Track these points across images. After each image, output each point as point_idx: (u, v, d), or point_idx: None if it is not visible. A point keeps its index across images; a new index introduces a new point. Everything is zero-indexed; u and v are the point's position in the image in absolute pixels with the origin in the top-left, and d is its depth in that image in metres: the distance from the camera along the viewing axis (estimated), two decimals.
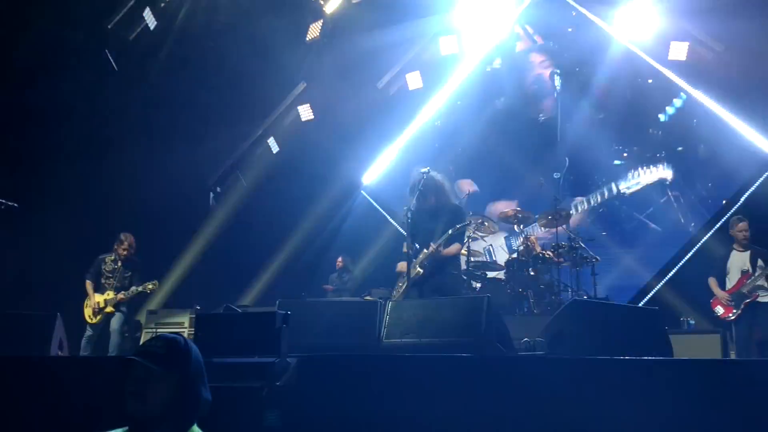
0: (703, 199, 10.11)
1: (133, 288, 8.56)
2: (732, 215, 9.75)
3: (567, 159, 9.50)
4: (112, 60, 10.29)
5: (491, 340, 4.96)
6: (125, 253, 8.74)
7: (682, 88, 10.02)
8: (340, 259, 10.91)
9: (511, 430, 3.87)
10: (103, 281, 8.65)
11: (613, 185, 8.83)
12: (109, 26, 10.12)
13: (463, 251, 9.32)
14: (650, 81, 9.72)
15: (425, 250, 6.67)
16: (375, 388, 3.88)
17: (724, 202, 10.11)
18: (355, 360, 4.18)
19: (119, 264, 8.73)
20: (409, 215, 6.80)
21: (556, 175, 9.55)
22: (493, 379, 4.09)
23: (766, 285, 7.75)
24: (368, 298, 9.17)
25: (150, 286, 8.60)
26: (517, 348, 5.95)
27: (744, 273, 7.85)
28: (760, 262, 7.81)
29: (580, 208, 9.26)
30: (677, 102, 9.99)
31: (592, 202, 9.08)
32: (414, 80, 11.06)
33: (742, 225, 7.98)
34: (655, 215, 10.15)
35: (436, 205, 6.77)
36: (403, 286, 6.82)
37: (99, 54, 10.29)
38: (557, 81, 10.27)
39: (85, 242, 9.95)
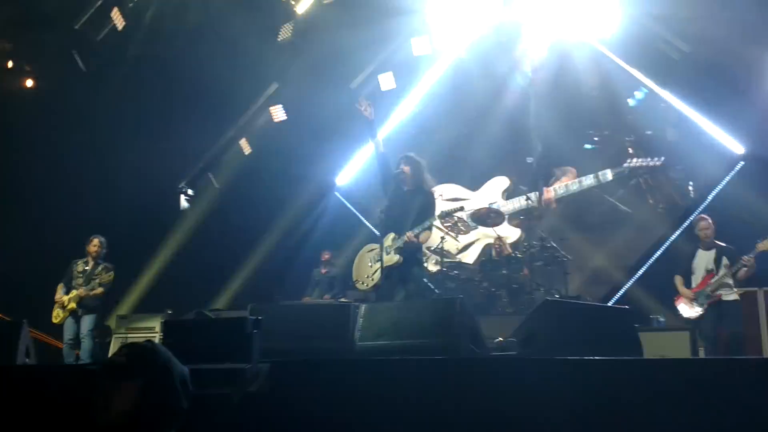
0: (671, 179, 10.30)
1: (93, 283, 8.56)
2: (699, 213, 9.97)
3: (540, 145, 9.57)
4: (79, 60, 10.14)
5: (464, 342, 4.98)
6: (94, 250, 8.79)
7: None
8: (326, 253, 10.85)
9: (483, 431, 3.88)
10: (73, 283, 8.66)
11: (609, 172, 8.89)
12: (76, 26, 9.97)
13: (430, 252, 9.39)
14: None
15: (402, 236, 6.84)
16: (348, 393, 3.87)
17: (691, 189, 10.25)
18: (327, 364, 4.16)
19: (90, 265, 8.77)
20: (383, 216, 6.96)
21: (529, 160, 9.67)
22: (465, 380, 4.09)
23: (730, 283, 7.81)
24: (343, 300, 9.16)
25: (105, 277, 8.62)
26: (490, 348, 5.99)
27: (708, 272, 7.93)
28: (725, 261, 7.88)
29: (561, 191, 9.34)
30: (644, 89, 10.21)
31: (579, 186, 9.15)
32: (387, 81, 11.04)
33: (704, 224, 8.07)
34: (625, 198, 10.27)
35: (414, 186, 7.04)
36: (374, 275, 6.97)
37: (66, 54, 10.14)
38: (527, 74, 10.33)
39: (53, 246, 9.81)
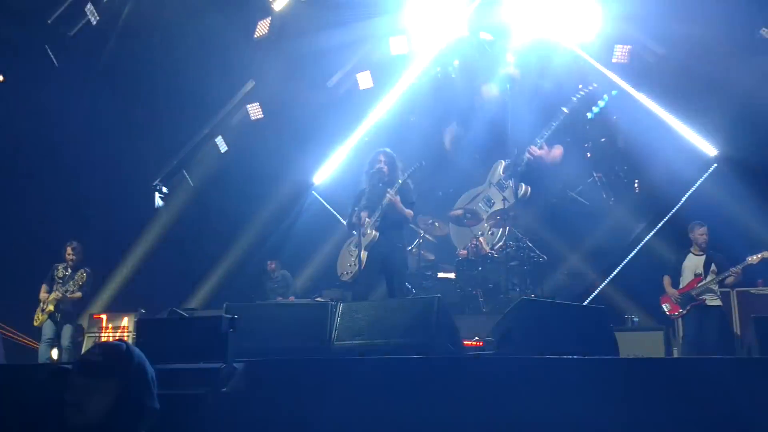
0: (620, 178, 10.85)
1: (71, 284, 8.69)
2: (673, 215, 10.10)
3: (516, 149, 9.72)
4: (52, 56, 9.97)
5: (442, 341, 4.97)
6: (71, 257, 9.00)
7: (607, 90, 10.42)
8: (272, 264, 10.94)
9: (461, 430, 3.87)
10: (54, 287, 8.83)
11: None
12: (49, 21, 9.80)
13: (413, 250, 9.41)
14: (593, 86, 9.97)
15: (379, 207, 7.08)
16: (324, 392, 3.83)
17: (636, 186, 10.80)
18: (303, 364, 4.12)
19: (69, 271, 8.96)
20: (358, 212, 6.98)
21: (507, 161, 9.81)
22: (442, 379, 4.08)
23: (715, 289, 8.08)
24: (319, 299, 9.11)
25: (79, 279, 8.74)
26: (467, 347, 5.99)
27: (696, 276, 8.19)
28: (713, 267, 8.15)
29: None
30: (601, 103, 10.57)
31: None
32: (364, 80, 11.01)
33: (703, 230, 8.36)
34: (583, 193, 10.66)
35: (389, 178, 7.24)
36: (356, 259, 7.06)
37: (39, 50, 9.96)
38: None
39: (26, 246, 9.65)
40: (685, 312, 8.09)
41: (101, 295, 10.35)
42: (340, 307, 5.41)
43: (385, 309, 5.43)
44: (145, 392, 2.55)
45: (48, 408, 2.59)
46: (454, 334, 5.27)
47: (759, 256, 7.90)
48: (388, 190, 7.09)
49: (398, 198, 7.12)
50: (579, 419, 3.79)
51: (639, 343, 8.15)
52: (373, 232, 7.08)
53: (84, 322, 9.57)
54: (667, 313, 8.25)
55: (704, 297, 8.07)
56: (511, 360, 4.42)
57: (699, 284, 8.08)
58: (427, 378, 4.08)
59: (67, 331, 8.76)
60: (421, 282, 9.28)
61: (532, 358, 4.22)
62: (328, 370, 4.09)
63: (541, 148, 9.47)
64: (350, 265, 7.28)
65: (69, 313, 8.82)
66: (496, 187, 9.87)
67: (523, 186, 9.36)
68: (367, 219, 7.11)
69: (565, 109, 9.25)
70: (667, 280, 8.40)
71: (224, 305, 5.39)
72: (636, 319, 8.85)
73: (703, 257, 8.25)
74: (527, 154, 9.43)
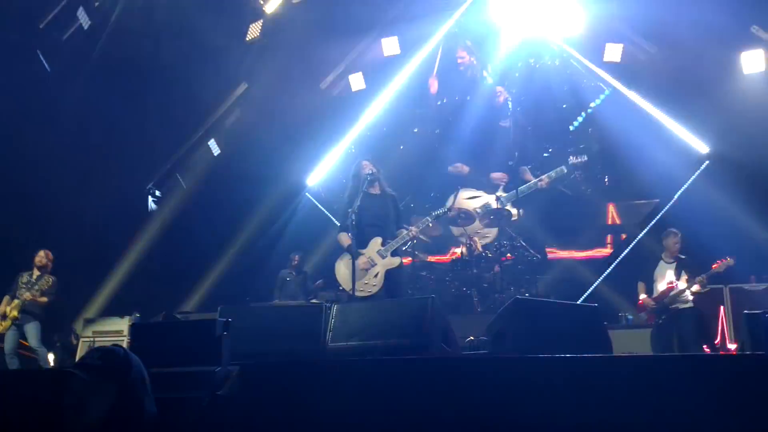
0: (596, 175, 11.16)
1: (33, 290, 8.58)
2: (666, 213, 10.16)
3: (516, 153, 9.77)
4: (44, 61, 9.96)
5: (436, 341, 4.99)
6: (42, 263, 8.88)
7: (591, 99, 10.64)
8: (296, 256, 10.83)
9: (456, 430, 3.89)
10: (17, 294, 8.69)
11: (563, 167, 9.15)
12: (40, 26, 9.79)
13: (407, 250, 9.42)
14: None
15: (399, 237, 7.17)
16: (319, 395, 3.84)
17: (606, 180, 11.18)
18: (297, 366, 4.13)
19: (34, 276, 8.83)
20: (354, 217, 6.94)
21: (510, 163, 9.85)
22: (437, 380, 4.10)
23: (688, 294, 8.18)
24: (315, 301, 9.13)
25: (44, 283, 8.63)
26: (462, 347, 6.01)
27: (669, 283, 8.29)
28: (683, 274, 8.25)
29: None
30: (583, 113, 10.87)
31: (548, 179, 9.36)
32: (357, 81, 11.05)
33: (676, 239, 8.44)
34: (566, 186, 10.69)
35: (380, 190, 7.29)
36: (375, 279, 7.07)
37: (31, 54, 9.95)
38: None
39: (20, 249, 9.61)
40: (661, 321, 8.20)
41: (96, 299, 10.34)
42: (335, 308, 5.42)
43: (379, 310, 5.45)
44: (144, 396, 2.57)
45: (48, 412, 2.60)
46: (449, 334, 5.28)
47: (723, 263, 8.03)
48: (412, 228, 7.28)
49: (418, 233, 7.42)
50: (573, 418, 3.81)
51: (633, 341, 8.21)
52: (397, 258, 7.17)
53: (78, 326, 9.56)
54: (644, 320, 8.37)
55: (677, 304, 8.18)
56: (505, 360, 4.43)
57: (671, 293, 8.19)
58: (422, 379, 4.09)
59: (31, 329, 8.54)
60: (415, 282, 9.29)
61: (526, 358, 4.24)
62: (323, 372, 4.09)
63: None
64: (366, 283, 7.09)
65: (34, 314, 8.62)
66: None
67: (516, 211, 9.25)
68: (380, 246, 7.12)
69: (564, 169, 9.05)
70: (641, 287, 8.52)
71: (218, 308, 5.39)
72: (630, 317, 8.89)
73: (674, 264, 8.36)
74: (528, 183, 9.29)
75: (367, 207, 7.11)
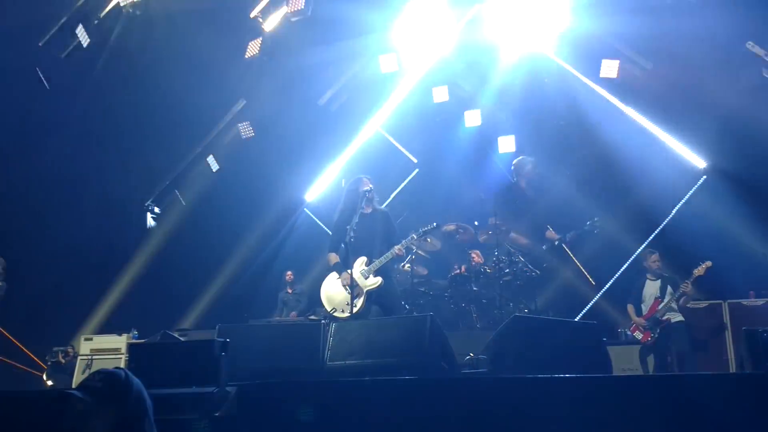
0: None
1: None
2: (664, 227, 10.17)
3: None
4: (43, 78, 9.98)
5: (435, 359, 4.97)
6: None
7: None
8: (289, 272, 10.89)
9: None
10: None
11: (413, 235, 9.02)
12: (40, 44, 9.81)
13: (406, 267, 9.41)
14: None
15: (384, 256, 6.99)
16: (317, 415, 3.83)
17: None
18: (296, 387, 4.12)
19: None
20: (353, 234, 6.91)
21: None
22: (436, 400, 4.09)
23: (675, 307, 8.41)
24: (313, 317, 9.10)
25: None
26: (461, 365, 5.99)
27: (656, 299, 8.51)
28: (669, 289, 8.50)
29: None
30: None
31: None
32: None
33: (655, 257, 8.78)
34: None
35: (372, 208, 7.27)
36: (356, 301, 6.93)
37: (30, 72, 9.97)
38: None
39: (20, 266, 9.60)
40: (656, 336, 8.34)
41: (94, 316, 10.31)
42: (333, 326, 5.41)
43: (377, 328, 5.44)
44: (144, 420, 2.56)
45: None
46: (447, 351, 5.26)
47: (703, 266, 8.26)
48: (396, 247, 7.01)
49: (403, 250, 7.22)
50: None
51: (633, 357, 8.21)
52: (378, 278, 6.96)
53: (77, 344, 9.52)
54: (641, 341, 8.45)
55: (668, 316, 8.36)
56: (503, 380, 4.42)
57: (660, 306, 8.42)
58: (421, 399, 4.08)
59: None
60: (414, 298, 9.27)
61: (525, 378, 4.23)
62: (320, 392, 4.08)
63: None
64: (347, 304, 6.94)
65: None
66: None
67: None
68: (364, 266, 7.01)
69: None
70: (630, 309, 8.71)
71: (216, 327, 5.38)
72: (629, 333, 8.87)
73: (659, 281, 8.61)
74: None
75: (360, 228, 7.00)
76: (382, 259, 6.97)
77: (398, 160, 11.53)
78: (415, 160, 11.58)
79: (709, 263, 8.25)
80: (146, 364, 3.97)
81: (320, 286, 7.34)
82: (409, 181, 10.85)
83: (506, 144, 10.82)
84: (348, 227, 6.98)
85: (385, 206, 7.75)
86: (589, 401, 3.85)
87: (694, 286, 8.37)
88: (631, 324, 8.63)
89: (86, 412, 2.45)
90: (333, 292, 7.10)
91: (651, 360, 8.29)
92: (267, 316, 10.29)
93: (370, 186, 7.23)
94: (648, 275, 8.76)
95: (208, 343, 3.92)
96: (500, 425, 3.86)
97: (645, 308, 8.60)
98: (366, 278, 6.96)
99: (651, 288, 8.66)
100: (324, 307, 7.25)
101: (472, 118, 10.92)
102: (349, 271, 6.90)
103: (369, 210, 7.24)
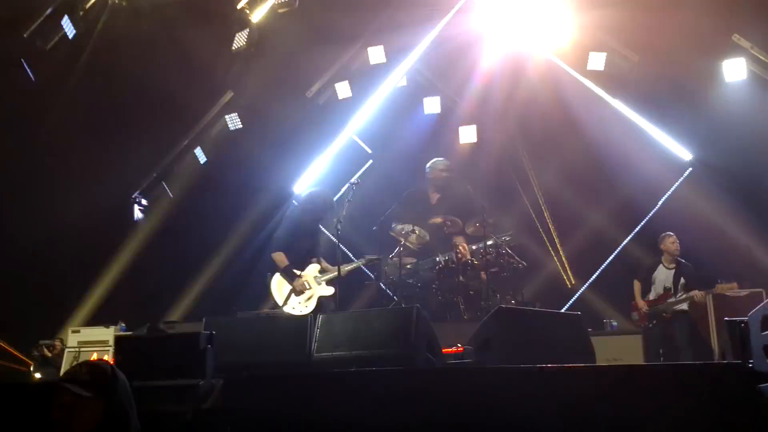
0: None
1: None
2: (649, 220, 10.24)
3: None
4: (28, 69, 9.91)
5: (421, 351, 5.01)
6: None
7: None
8: None
9: None
10: None
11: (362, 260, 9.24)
12: (25, 35, 9.74)
13: (394, 259, 9.44)
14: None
15: (331, 271, 8.00)
16: (304, 407, 3.86)
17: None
18: (282, 379, 4.15)
19: None
20: (339, 227, 7.07)
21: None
22: (423, 390, 4.12)
23: (684, 306, 8.33)
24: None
25: None
26: (447, 357, 6.03)
27: (666, 290, 8.36)
28: (682, 281, 8.41)
29: None
30: None
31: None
32: (343, 90, 11.07)
33: (673, 238, 8.62)
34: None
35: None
36: (308, 302, 7.93)
37: (15, 63, 9.90)
38: None
39: (1, 258, 9.55)
40: (651, 325, 8.27)
41: (81, 309, 10.28)
42: (320, 318, 5.44)
43: (364, 320, 5.47)
44: (130, 411, 2.59)
45: (35, 426, 2.62)
46: (434, 343, 5.31)
47: (728, 287, 8.14)
48: (346, 268, 8.11)
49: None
50: (558, 427, 3.84)
51: (618, 347, 8.25)
52: (332, 288, 7.95)
53: (65, 336, 9.49)
54: (637, 322, 8.50)
55: (671, 313, 8.33)
56: (489, 370, 4.47)
57: (669, 300, 8.27)
58: (407, 389, 4.11)
59: None
60: (403, 291, 9.29)
61: (510, 368, 4.28)
62: (308, 384, 4.11)
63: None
64: (299, 304, 7.93)
65: None
66: None
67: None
68: (318, 273, 8.06)
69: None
70: (637, 286, 8.65)
71: (203, 319, 5.39)
72: (615, 323, 8.94)
73: (674, 270, 8.47)
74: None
75: (306, 235, 8.17)
76: (332, 274, 7.95)
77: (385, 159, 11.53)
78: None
79: (735, 284, 8.10)
80: (133, 357, 3.98)
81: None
82: (398, 177, 10.82)
83: (467, 134, 10.87)
84: (336, 219, 7.58)
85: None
86: (573, 390, 3.89)
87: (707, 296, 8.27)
88: (633, 301, 8.60)
89: (75, 404, 2.47)
90: (284, 288, 8.04)
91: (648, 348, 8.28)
92: (256, 308, 10.28)
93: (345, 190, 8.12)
94: (663, 260, 8.61)
95: (194, 336, 3.94)
96: (486, 415, 3.90)
97: (652, 294, 8.52)
98: (319, 285, 7.98)
99: (663, 275, 8.55)
100: (273, 301, 8.08)
101: (431, 105, 10.94)
102: (298, 272, 7.97)
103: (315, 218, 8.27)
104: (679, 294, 8.33)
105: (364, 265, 8.55)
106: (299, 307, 7.89)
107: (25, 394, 4.13)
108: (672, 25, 9.44)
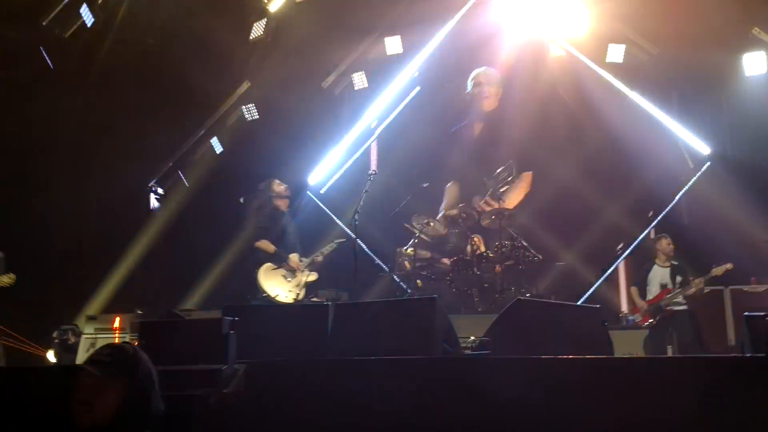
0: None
1: None
2: (667, 213, 10.18)
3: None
4: (47, 58, 9.97)
5: (438, 341, 5.01)
6: None
7: None
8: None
9: (458, 430, 3.92)
10: None
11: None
12: (44, 23, 9.80)
13: (409, 251, 9.44)
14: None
15: (309, 258, 8.93)
16: (324, 393, 3.88)
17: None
18: (303, 365, 4.16)
19: None
20: (356, 217, 7.08)
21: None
22: (440, 380, 4.13)
23: (681, 300, 8.43)
24: (315, 299, 9.15)
25: (6, 280, 8.49)
26: (464, 347, 6.03)
27: (663, 287, 8.47)
28: (678, 278, 8.47)
29: None
30: None
31: None
32: (359, 80, 11.05)
33: (668, 241, 8.73)
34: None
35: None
36: (296, 288, 8.68)
37: (34, 52, 9.96)
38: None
39: (23, 249, 9.63)
40: (654, 322, 8.36)
41: (98, 296, 10.36)
42: (335, 307, 5.44)
43: (381, 309, 5.46)
44: (152, 393, 2.61)
45: (57, 408, 2.64)
46: (451, 334, 5.30)
47: (723, 267, 8.16)
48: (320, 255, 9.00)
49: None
50: (575, 419, 3.84)
51: (634, 342, 8.24)
52: (315, 274, 8.73)
53: (81, 323, 9.57)
54: (638, 323, 8.53)
55: (672, 307, 8.37)
56: (506, 360, 4.46)
57: (668, 296, 8.34)
58: (425, 379, 4.12)
59: None
60: (416, 283, 9.30)
61: (527, 359, 4.27)
62: (327, 370, 4.13)
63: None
64: (289, 291, 8.66)
65: None
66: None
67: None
68: (299, 261, 8.86)
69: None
70: (634, 291, 8.79)
71: (223, 306, 5.41)
72: (631, 318, 8.93)
73: (669, 268, 8.55)
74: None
75: (286, 226, 8.94)
76: (309, 261, 8.82)
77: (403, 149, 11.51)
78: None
79: (729, 266, 8.13)
80: (156, 342, 4.01)
81: (323, 268, 7.79)
82: (416, 166, 10.80)
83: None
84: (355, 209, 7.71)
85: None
86: (592, 382, 3.89)
87: (707, 283, 8.30)
88: (634, 307, 8.71)
89: (97, 385, 2.49)
90: (271, 279, 8.67)
91: (653, 345, 8.30)
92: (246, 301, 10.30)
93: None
94: (657, 260, 8.70)
95: (217, 320, 3.97)
96: (502, 405, 3.90)
97: (650, 293, 8.59)
98: (302, 271, 8.66)
99: (659, 274, 8.62)
100: (263, 292, 8.52)
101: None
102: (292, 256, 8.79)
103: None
104: (677, 289, 8.38)
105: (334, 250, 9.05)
106: (291, 294, 8.51)
107: (49, 377, 4.18)
108: (691, 18, 9.38)
